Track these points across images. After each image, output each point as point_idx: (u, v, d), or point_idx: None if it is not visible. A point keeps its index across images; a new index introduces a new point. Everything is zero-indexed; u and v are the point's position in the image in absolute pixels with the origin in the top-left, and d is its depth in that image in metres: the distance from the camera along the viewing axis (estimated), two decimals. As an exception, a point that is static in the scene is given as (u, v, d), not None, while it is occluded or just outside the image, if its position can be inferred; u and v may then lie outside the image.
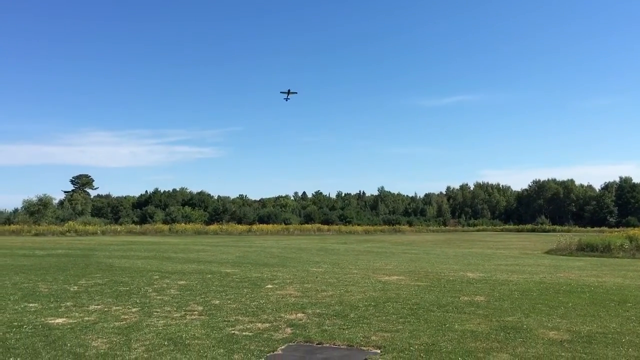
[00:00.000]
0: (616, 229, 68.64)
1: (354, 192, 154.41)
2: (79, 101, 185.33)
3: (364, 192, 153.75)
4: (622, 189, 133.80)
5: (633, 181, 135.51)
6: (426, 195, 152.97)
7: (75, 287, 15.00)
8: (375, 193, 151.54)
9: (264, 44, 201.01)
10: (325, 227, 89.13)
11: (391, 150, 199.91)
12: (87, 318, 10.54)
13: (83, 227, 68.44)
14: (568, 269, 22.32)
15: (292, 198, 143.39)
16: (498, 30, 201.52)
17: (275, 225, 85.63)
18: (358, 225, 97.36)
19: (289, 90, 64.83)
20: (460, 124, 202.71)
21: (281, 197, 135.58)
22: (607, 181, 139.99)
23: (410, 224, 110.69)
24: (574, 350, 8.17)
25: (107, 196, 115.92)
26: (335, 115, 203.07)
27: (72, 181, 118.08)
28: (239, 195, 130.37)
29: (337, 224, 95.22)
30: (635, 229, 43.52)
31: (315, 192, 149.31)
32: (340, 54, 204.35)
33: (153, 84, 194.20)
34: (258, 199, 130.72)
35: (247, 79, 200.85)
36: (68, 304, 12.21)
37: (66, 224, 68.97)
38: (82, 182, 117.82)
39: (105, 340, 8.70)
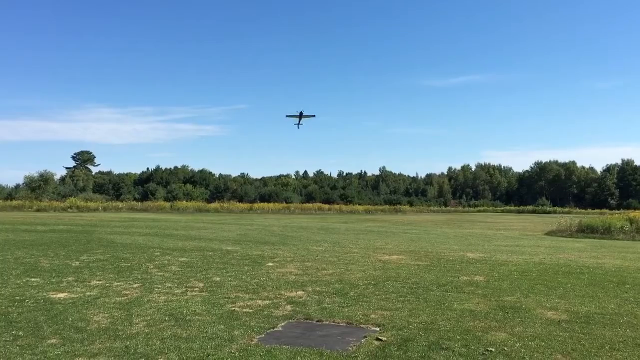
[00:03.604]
0: (617, 211, 68.78)
1: (355, 171, 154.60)
2: (82, 77, 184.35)
3: (365, 172, 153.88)
4: (624, 171, 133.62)
5: (635, 163, 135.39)
6: (427, 175, 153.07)
7: (77, 263, 15.09)
8: (377, 173, 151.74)
9: (267, 22, 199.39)
10: (326, 206, 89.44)
11: (393, 130, 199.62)
12: (88, 293, 10.61)
13: (84, 203, 68.81)
14: (568, 250, 22.38)
15: (294, 177, 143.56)
16: (504, 10, 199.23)
17: (276, 203, 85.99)
18: (359, 204, 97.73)
19: (300, 113, 46.62)
20: (463, 104, 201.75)
21: (282, 175, 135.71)
22: (609, 163, 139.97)
23: (411, 204, 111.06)
24: (571, 330, 8.22)
25: (109, 173, 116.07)
26: (338, 94, 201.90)
27: (73, 157, 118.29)
28: (241, 173, 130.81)
29: (338, 203, 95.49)
30: (636, 211, 43.50)
31: (317, 171, 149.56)
32: (343, 32, 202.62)
33: (157, 60, 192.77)
34: (259, 177, 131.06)
35: (251, 56, 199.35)
36: (70, 279, 12.29)
37: (68, 200, 69.33)
38: (84, 158, 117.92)
39: (106, 315, 8.77)
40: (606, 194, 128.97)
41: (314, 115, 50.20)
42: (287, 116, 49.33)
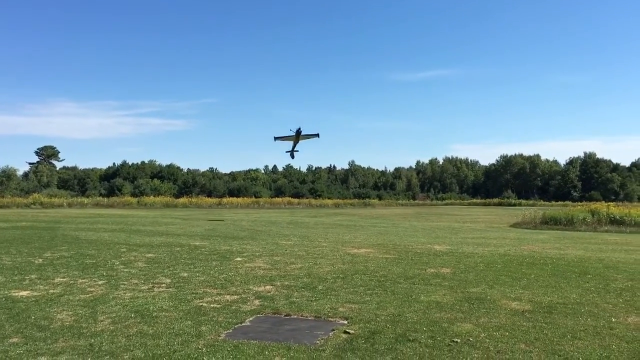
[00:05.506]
0: (579, 203, 70.18)
1: (324, 165, 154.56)
2: (46, 71, 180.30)
3: (334, 166, 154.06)
4: (586, 164, 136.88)
5: (597, 157, 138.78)
6: (396, 169, 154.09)
7: (40, 260, 14.77)
8: (346, 167, 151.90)
9: (235, 16, 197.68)
10: (296, 200, 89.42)
11: (362, 124, 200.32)
12: (52, 291, 10.40)
13: (48, 199, 67.25)
14: (532, 241, 22.85)
15: (263, 171, 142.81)
16: (473, 6, 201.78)
17: (245, 198, 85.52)
18: (328, 198, 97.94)
19: (297, 132, 35.63)
20: (431, 98, 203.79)
21: (252, 170, 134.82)
22: (572, 156, 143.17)
23: (380, 197, 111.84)
24: (534, 320, 8.40)
25: (74, 168, 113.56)
26: (308, 89, 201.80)
27: (36, 152, 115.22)
28: (209, 168, 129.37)
29: (307, 198, 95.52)
30: (598, 203, 44.61)
31: (286, 166, 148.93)
32: (313, 27, 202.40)
33: (123, 54, 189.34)
34: (228, 172, 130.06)
35: (221, 50, 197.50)
36: (32, 276, 12.03)
37: (31, 196, 67.65)
38: (48, 153, 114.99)
39: (70, 312, 8.61)
40: (569, 187, 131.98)
41: (318, 135, 37.52)
42: (276, 139, 37.26)
